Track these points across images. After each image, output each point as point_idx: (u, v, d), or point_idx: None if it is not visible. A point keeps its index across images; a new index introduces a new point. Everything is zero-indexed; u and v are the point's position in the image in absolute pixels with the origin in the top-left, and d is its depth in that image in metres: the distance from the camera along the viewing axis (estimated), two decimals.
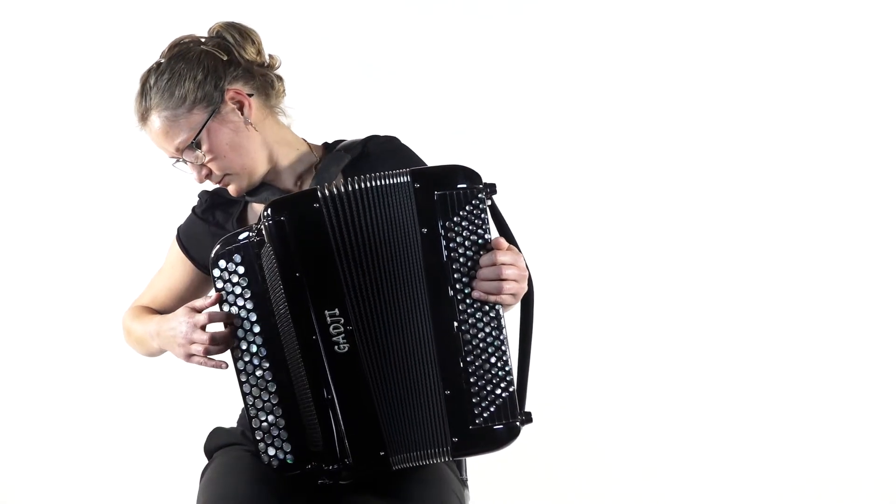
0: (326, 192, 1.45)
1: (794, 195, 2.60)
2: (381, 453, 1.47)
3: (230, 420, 1.81)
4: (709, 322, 2.60)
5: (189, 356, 1.54)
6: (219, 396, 2.18)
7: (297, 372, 1.49)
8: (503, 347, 1.47)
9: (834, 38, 2.57)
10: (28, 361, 2.49)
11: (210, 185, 1.70)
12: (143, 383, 2.47)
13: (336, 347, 1.45)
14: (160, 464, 2.48)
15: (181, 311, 1.55)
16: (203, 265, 1.74)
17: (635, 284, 2.64)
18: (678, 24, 2.58)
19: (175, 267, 1.79)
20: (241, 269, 1.51)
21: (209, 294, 1.59)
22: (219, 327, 1.53)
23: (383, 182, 1.45)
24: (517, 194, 2.33)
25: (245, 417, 1.69)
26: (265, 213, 1.45)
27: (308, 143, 1.74)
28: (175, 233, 1.80)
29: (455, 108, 2.54)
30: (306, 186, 1.68)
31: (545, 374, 1.95)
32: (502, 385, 1.46)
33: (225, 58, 1.58)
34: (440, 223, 1.45)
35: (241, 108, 1.59)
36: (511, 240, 1.50)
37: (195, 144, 1.57)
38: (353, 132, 1.77)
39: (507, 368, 1.47)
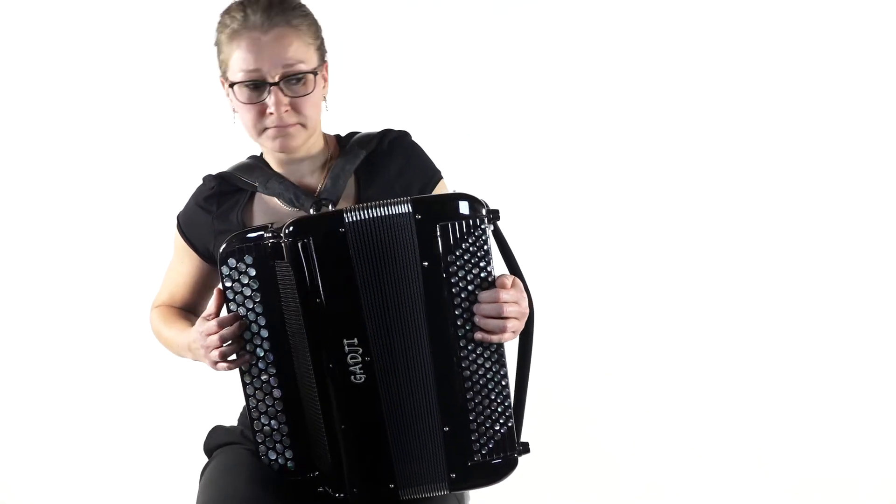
0: (353, 216, 1.39)
1: (794, 196, 2.57)
2: (391, 486, 1.44)
3: (229, 418, 1.78)
4: (708, 324, 2.58)
5: (214, 363, 1.51)
6: (218, 394, 2.16)
7: (308, 390, 1.45)
8: (503, 382, 1.45)
9: (834, 38, 2.52)
10: (28, 361, 2.44)
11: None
12: (143, 381, 2.44)
13: (353, 377, 1.40)
14: (159, 461, 2.45)
15: (197, 322, 1.53)
16: (206, 254, 1.68)
17: (635, 285, 2.61)
18: (678, 25, 2.52)
19: (182, 259, 1.73)
20: (252, 272, 1.46)
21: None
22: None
23: (385, 211, 1.39)
24: (517, 195, 2.29)
25: (246, 417, 1.67)
26: (288, 231, 1.38)
27: (325, 136, 1.69)
28: (175, 221, 1.72)
29: (453, 108, 2.48)
30: (320, 183, 1.63)
31: (545, 377, 1.94)
32: (501, 420, 1.45)
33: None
34: (441, 256, 1.40)
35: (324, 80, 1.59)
36: (514, 266, 1.48)
37: (299, 79, 1.51)
38: (353, 126, 1.73)
39: (506, 403, 1.45)
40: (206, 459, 1.70)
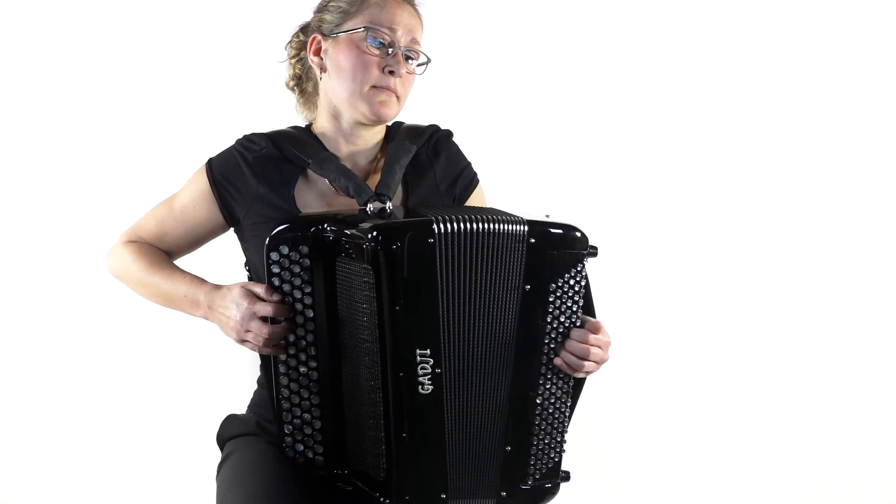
0: (442, 227, 1.36)
1: (795, 197, 2.60)
2: (443, 496, 1.44)
3: (234, 407, 1.74)
4: (708, 325, 2.61)
5: (242, 341, 1.45)
6: (224, 382, 2.13)
7: (359, 392, 1.43)
8: (567, 413, 1.50)
9: (834, 38, 2.55)
10: (30, 352, 2.32)
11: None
12: (147, 372, 2.34)
13: (420, 388, 1.38)
14: (167, 451, 2.37)
15: (237, 291, 1.44)
16: (230, 214, 1.57)
17: (635, 285, 2.62)
18: (678, 25, 2.53)
19: (197, 204, 1.59)
20: (306, 262, 1.41)
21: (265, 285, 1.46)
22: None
23: (499, 228, 1.38)
24: (522, 192, 2.28)
25: (260, 406, 1.63)
26: (373, 236, 1.34)
27: None
28: (205, 165, 1.59)
29: (452, 106, 2.42)
30: (371, 172, 1.61)
31: None
32: (557, 448, 1.50)
33: None
34: (546, 284, 1.41)
35: None
36: (591, 308, 1.50)
37: (417, 58, 1.57)
38: None
39: (564, 434, 1.50)
40: (216, 449, 1.66)
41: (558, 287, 1.42)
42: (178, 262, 1.68)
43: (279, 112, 1.72)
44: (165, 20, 2.26)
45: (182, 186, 1.63)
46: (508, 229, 1.39)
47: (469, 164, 1.72)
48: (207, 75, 2.27)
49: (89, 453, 2.36)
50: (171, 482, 2.36)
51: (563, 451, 1.51)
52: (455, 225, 1.36)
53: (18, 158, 2.26)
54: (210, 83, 2.27)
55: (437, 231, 1.35)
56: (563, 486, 1.53)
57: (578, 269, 1.43)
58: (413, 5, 1.58)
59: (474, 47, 2.44)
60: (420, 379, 1.38)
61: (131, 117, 2.27)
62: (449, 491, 1.44)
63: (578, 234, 1.42)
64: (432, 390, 1.38)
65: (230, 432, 1.64)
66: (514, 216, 1.41)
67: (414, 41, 1.55)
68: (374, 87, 1.52)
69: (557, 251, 1.41)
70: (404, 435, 1.39)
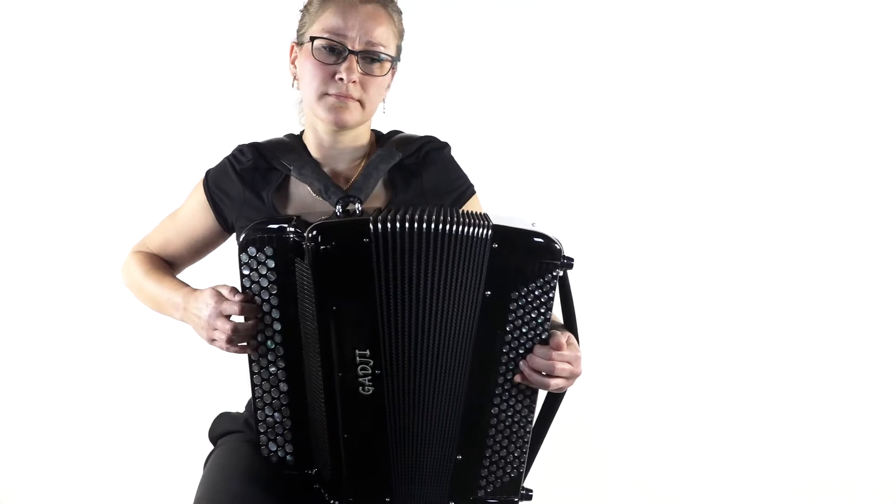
0: (380, 226, 1.34)
1: (795, 198, 2.51)
2: (387, 500, 1.43)
3: (236, 404, 1.77)
4: (708, 325, 2.54)
5: (211, 340, 1.49)
6: (227, 380, 2.15)
7: (315, 391, 1.43)
8: (527, 429, 1.44)
9: (834, 38, 2.44)
10: (30, 350, 2.41)
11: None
12: (150, 367, 2.40)
13: (361, 389, 1.38)
14: (166, 448, 2.42)
15: (208, 293, 1.48)
16: (224, 221, 1.65)
17: (635, 285, 2.56)
18: (677, 25, 2.45)
19: (196, 214, 1.67)
20: (270, 263, 1.42)
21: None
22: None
23: (457, 230, 1.35)
24: (516, 196, 2.22)
25: (251, 403, 1.66)
26: (311, 235, 1.34)
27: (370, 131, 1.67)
28: (203, 176, 1.66)
29: (454, 106, 2.42)
30: (354, 175, 1.60)
31: None
32: (513, 465, 1.45)
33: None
34: (507, 292, 1.36)
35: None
36: (572, 320, 1.43)
37: (377, 58, 1.50)
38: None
39: (522, 451, 1.44)
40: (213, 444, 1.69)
41: (521, 296, 1.36)
42: (185, 271, 1.76)
43: (285, 120, 1.75)
44: (177, 33, 2.31)
45: (185, 199, 1.72)
46: (468, 231, 1.34)
47: (463, 175, 1.69)
48: (217, 85, 2.31)
49: (90, 451, 2.43)
50: (168, 479, 2.41)
51: (524, 467, 1.45)
52: (398, 225, 1.34)
53: (27, 164, 2.35)
54: (219, 93, 2.31)
55: (372, 230, 1.34)
56: (562, 486, 1.49)
57: (546, 279, 1.35)
58: (374, 3, 1.51)
59: (468, 52, 2.43)
60: (360, 380, 1.37)
61: (141, 129, 2.33)
62: (394, 494, 1.43)
63: (545, 243, 1.34)
64: (373, 391, 1.37)
65: (220, 429, 1.68)
66: (480, 220, 1.36)
67: (371, 42, 1.49)
68: (326, 94, 1.51)
69: (523, 259, 1.34)
70: (345, 435, 1.39)
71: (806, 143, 2.51)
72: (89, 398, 2.42)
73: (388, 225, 1.34)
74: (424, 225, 1.35)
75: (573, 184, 2.49)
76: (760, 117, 2.51)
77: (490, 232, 1.35)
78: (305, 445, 1.48)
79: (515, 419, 1.42)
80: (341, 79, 1.49)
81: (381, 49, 1.50)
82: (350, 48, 1.49)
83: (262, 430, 1.48)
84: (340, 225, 1.37)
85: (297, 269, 1.41)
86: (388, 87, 1.59)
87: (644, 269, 2.53)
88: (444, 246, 1.35)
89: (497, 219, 1.37)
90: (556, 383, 1.38)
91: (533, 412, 1.43)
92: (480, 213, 1.40)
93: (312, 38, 1.50)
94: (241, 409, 1.74)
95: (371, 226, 1.34)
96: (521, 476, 1.45)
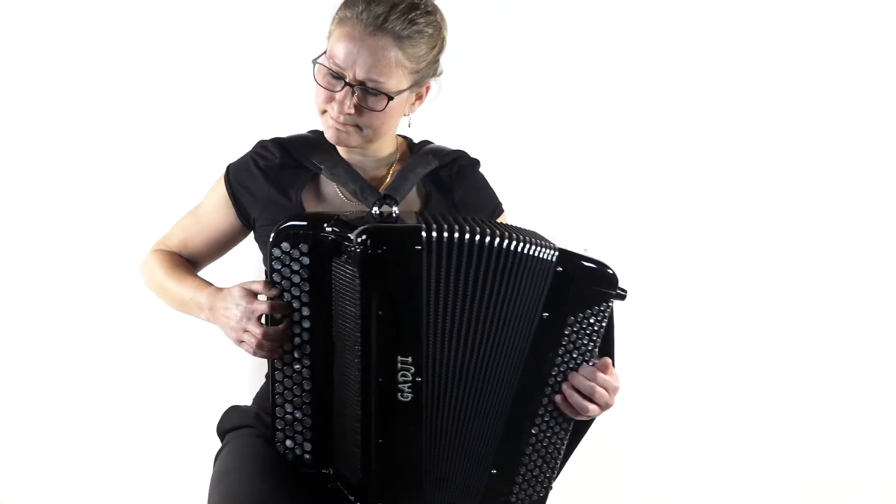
0: (434, 234, 1.34)
1: (794, 198, 2.51)
2: None
3: (243, 398, 1.75)
4: (707, 325, 2.53)
5: (240, 342, 1.47)
6: (235, 374, 2.13)
7: (346, 394, 1.42)
8: (561, 451, 1.46)
9: (834, 38, 2.44)
10: (35, 343, 2.35)
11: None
12: (157, 359, 2.36)
13: (400, 395, 1.37)
14: (174, 442, 2.38)
15: (237, 291, 1.46)
16: (246, 218, 1.63)
17: (634, 286, 2.53)
18: (677, 25, 2.42)
19: (217, 210, 1.65)
20: (305, 261, 1.41)
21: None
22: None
23: (527, 249, 1.36)
24: (522, 194, 2.22)
25: (263, 398, 1.65)
26: (361, 239, 1.33)
27: (396, 137, 1.67)
28: (224, 172, 1.64)
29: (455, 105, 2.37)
30: (386, 178, 1.61)
31: None
32: (542, 485, 1.47)
33: (443, 50, 1.56)
34: (565, 315, 1.38)
35: (416, 97, 1.58)
36: (611, 351, 1.45)
37: (373, 92, 1.47)
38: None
39: (553, 473, 1.47)
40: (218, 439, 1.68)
41: (577, 321, 1.39)
42: (216, 265, 1.75)
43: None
44: (194, 30, 2.26)
45: (205, 195, 1.69)
46: (535, 252, 1.37)
47: (493, 193, 1.70)
48: (236, 81, 2.27)
49: (95, 447, 2.38)
50: (175, 473, 2.38)
51: (551, 487, 1.48)
52: (457, 235, 1.34)
53: (40, 161, 2.30)
54: (238, 89, 2.27)
55: (425, 238, 1.33)
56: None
57: (602, 308, 1.39)
58: (384, 33, 1.45)
59: (495, 58, 2.39)
60: (400, 386, 1.36)
61: (157, 125, 2.28)
62: (424, 501, 1.42)
63: (607, 273, 1.39)
64: (412, 398, 1.37)
65: (230, 424, 1.65)
66: (546, 240, 1.39)
67: (370, 78, 1.46)
68: (325, 112, 1.52)
69: (583, 285, 1.38)
70: (380, 440, 1.38)
71: (803, 144, 2.50)
72: (92, 393, 2.37)
73: (445, 235, 1.34)
74: (487, 239, 1.35)
75: (572, 183, 2.47)
76: (755, 118, 2.49)
77: (556, 254, 1.37)
78: (325, 445, 1.47)
79: (552, 440, 1.44)
80: (335, 108, 1.49)
81: (381, 86, 1.46)
82: (347, 80, 1.46)
83: (279, 427, 1.47)
84: (393, 230, 1.37)
85: (334, 269, 1.40)
86: (416, 105, 1.58)
87: (645, 270, 2.51)
88: (507, 263, 1.36)
89: (553, 241, 1.40)
90: (592, 409, 1.40)
91: (567, 434, 1.45)
92: (542, 235, 1.42)
93: (313, 62, 1.49)
94: (248, 403, 1.72)
95: (424, 234, 1.33)
96: (546, 497, 1.48)
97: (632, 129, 2.45)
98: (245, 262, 1.91)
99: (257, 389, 1.74)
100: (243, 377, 2.21)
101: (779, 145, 2.49)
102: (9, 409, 2.37)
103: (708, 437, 2.58)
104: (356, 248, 1.33)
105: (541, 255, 1.37)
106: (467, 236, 1.34)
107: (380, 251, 1.32)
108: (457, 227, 1.35)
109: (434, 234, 1.33)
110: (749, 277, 2.52)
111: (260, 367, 1.70)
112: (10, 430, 2.38)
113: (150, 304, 1.83)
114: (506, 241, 1.36)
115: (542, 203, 2.38)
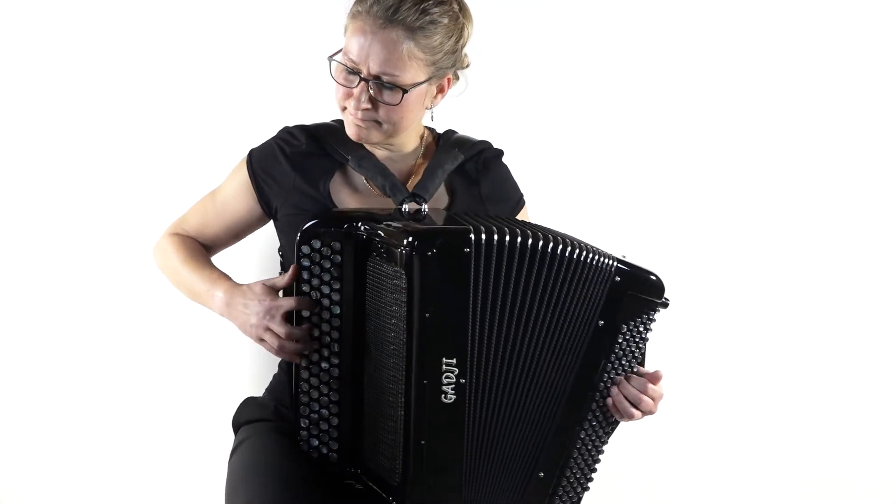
0: (483, 237, 1.34)
1: (794, 198, 2.53)
2: None
3: (252, 388, 1.74)
4: (707, 325, 2.54)
5: (260, 340, 1.45)
6: (242, 363, 2.11)
7: (381, 394, 1.41)
8: (602, 452, 1.50)
9: (834, 38, 2.46)
10: (44, 335, 2.31)
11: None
12: (164, 351, 2.32)
13: (443, 396, 1.37)
14: (183, 431, 2.35)
15: (259, 288, 1.44)
16: (268, 206, 1.59)
17: None
18: (678, 25, 2.43)
19: (237, 196, 1.61)
20: (337, 259, 1.40)
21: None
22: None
23: (589, 258, 1.39)
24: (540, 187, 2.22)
25: (279, 390, 1.62)
26: (409, 241, 1.32)
27: (423, 129, 1.65)
28: (246, 157, 1.60)
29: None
30: (411, 174, 1.60)
31: None
32: (583, 487, 1.51)
33: (465, 40, 1.52)
34: (619, 323, 1.42)
35: (438, 90, 1.55)
36: (642, 359, 1.49)
37: (387, 86, 1.45)
38: None
39: (594, 473, 1.50)
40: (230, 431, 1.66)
41: (629, 329, 1.43)
42: (219, 254, 1.71)
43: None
44: (209, 18, 2.24)
45: (225, 179, 1.65)
46: (596, 261, 1.40)
47: (516, 185, 1.70)
48: (250, 69, 2.25)
49: (101, 442, 2.35)
50: (186, 464, 2.35)
51: (588, 488, 1.51)
52: (508, 238, 1.34)
53: (51, 150, 2.26)
54: (253, 76, 2.25)
55: (474, 240, 1.33)
56: None
57: (649, 315, 1.45)
58: (395, 25, 1.42)
59: (520, 57, 2.39)
60: (444, 388, 1.36)
61: (175, 112, 2.26)
62: (463, 501, 1.42)
63: (658, 282, 1.44)
64: (455, 400, 1.37)
65: (247, 416, 1.62)
66: (603, 251, 1.42)
67: (384, 72, 1.43)
68: (345, 109, 1.50)
69: (637, 294, 1.42)
70: (423, 442, 1.38)
71: (804, 145, 2.51)
72: (96, 389, 2.34)
73: (495, 237, 1.34)
74: (541, 244, 1.36)
75: (573, 182, 2.47)
76: (756, 118, 2.49)
77: (615, 264, 1.41)
78: (353, 445, 1.46)
79: (596, 444, 1.48)
80: (352, 104, 1.48)
81: (396, 79, 1.44)
82: (361, 75, 1.45)
83: (303, 426, 1.45)
84: (441, 232, 1.37)
85: (370, 269, 1.39)
86: (437, 98, 1.56)
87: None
88: (563, 269, 1.38)
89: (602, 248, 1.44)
90: (637, 414, 1.43)
91: (609, 436, 1.49)
92: (595, 246, 1.44)
93: (328, 58, 1.48)
94: (255, 393, 1.69)
95: (473, 236, 1.33)
96: (582, 497, 1.51)
97: (653, 126, 2.45)
98: (248, 251, 1.89)
99: (264, 378, 1.71)
100: (250, 366, 2.18)
101: (804, 150, 2.50)
102: (12, 404, 2.33)
103: (708, 437, 2.60)
104: (402, 250, 1.32)
105: (600, 264, 1.40)
106: (520, 240, 1.35)
107: (429, 253, 1.31)
108: (507, 230, 1.36)
109: (484, 236, 1.33)
110: (749, 278, 2.54)
111: (267, 356, 1.67)
112: (14, 425, 2.34)
113: (154, 293, 1.79)
114: (568, 249, 1.38)
115: (558, 196, 2.37)
